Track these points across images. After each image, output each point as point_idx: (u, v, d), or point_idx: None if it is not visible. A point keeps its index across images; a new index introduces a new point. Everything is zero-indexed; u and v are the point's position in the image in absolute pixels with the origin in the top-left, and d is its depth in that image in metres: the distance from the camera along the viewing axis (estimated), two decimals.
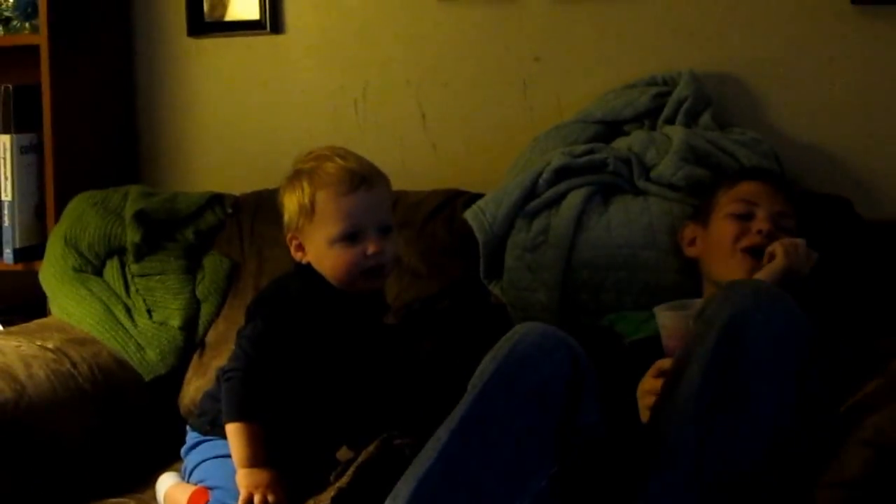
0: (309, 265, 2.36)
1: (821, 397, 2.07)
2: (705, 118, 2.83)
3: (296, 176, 2.36)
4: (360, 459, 2.19)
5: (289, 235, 2.38)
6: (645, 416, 2.13)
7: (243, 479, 2.22)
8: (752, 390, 1.95)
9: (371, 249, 2.31)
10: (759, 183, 2.54)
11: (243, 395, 2.25)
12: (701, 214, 2.59)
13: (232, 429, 2.24)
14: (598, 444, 2.04)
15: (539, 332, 2.04)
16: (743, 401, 1.95)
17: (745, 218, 2.48)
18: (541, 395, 1.98)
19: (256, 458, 2.22)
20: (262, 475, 2.22)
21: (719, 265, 2.49)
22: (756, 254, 2.42)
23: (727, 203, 2.53)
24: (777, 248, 2.37)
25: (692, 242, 2.58)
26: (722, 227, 2.50)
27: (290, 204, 2.35)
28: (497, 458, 1.95)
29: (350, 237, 2.31)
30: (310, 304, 2.33)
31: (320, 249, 2.33)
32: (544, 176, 2.74)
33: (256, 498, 2.20)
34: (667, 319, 2.17)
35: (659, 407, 2.04)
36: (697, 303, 2.22)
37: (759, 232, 2.44)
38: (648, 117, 2.88)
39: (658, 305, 2.21)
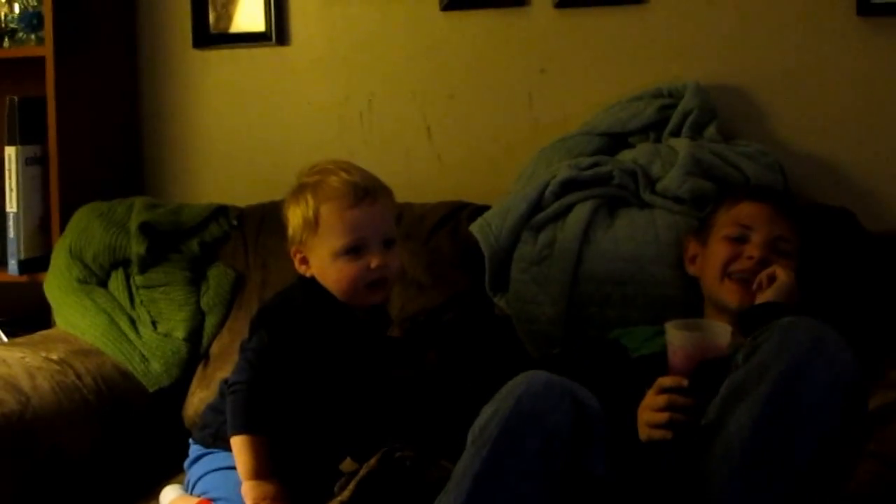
0: (313, 278, 2.36)
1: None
2: (710, 130, 2.83)
3: (300, 189, 2.36)
4: (361, 473, 2.19)
5: (292, 249, 2.38)
6: (643, 432, 2.12)
7: (249, 491, 2.22)
8: (800, 439, 1.92)
9: (374, 263, 2.31)
10: (760, 204, 2.52)
11: (248, 408, 2.25)
12: (702, 232, 2.58)
13: (237, 441, 2.24)
14: (605, 491, 2.02)
15: (542, 383, 1.98)
16: (789, 450, 1.92)
17: (739, 240, 2.47)
18: (548, 450, 1.94)
19: (262, 471, 2.22)
20: (267, 487, 2.21)
21: (711, 288, 2.49)
22: (745, 281, 2.41)
23: (725, 224, 2.52)
24: (778, 270, 2.37)
25: (693, 260, 2.58)
26: (716, 249, 2.50)
27: (294, 217, 2.35)
28: None
29: (354, 250, 2.31)
30: (314, 317, 2.33)
31: (324, 263, 2.33)
32: (550, 189, 2.74)
33: None
34: (676, 338, 2.14)
35: (703, 446, 1.99)
36: (710, 324, 2.19)
37: (750, 258, 2.43)
38: (654, 129, 2.88)
39: (669, 321, 2.17)
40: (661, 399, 2.10)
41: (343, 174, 2.34)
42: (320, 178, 2.35)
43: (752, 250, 2.44)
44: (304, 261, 2.37)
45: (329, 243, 2.32)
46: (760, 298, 2.33)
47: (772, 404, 1.93)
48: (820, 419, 1.93)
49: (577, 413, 1.97)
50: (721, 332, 2.13)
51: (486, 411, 2.00)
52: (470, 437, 1.99)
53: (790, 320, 2.05)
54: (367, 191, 2.33)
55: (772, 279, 2.36)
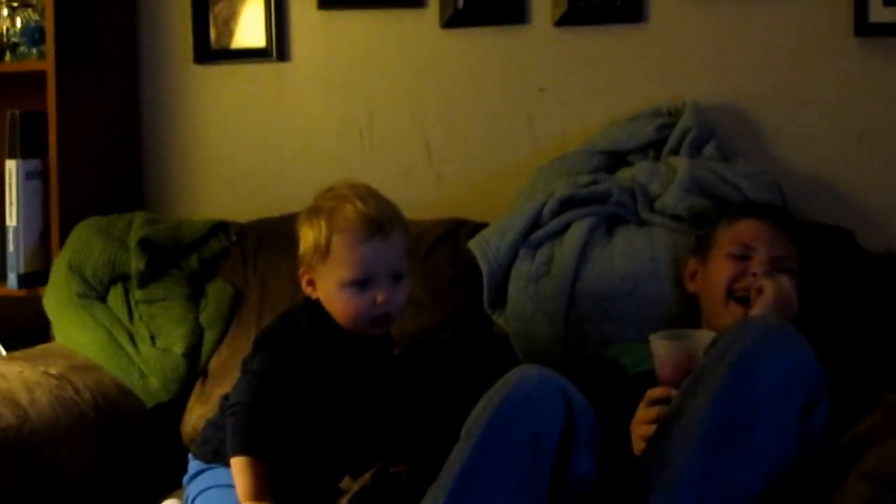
0: (318, 301, 2.36)
1: (824, 435, 2.06)
2: (709, 149, 2.83)
3: (315, 212, 2.34)
4: (354, 488, 2.19)
5: (301, 269, 2.37)
6: (638, 447, 2.12)
7: None
8: (757, 423, 1.94)
9: (380, 298, 2.30)
10: (761, 222, 2.52)
11: (249, 430, 2.24)
12: (701, 249, 2.58)
13: (237, 462, 2.23)
14: (589, 490, 2.02)
15: (535, 379, 2.01)
16: (748, 433, 1.94)
17: (742, 258, 2.48)
18: (534, 446, 1.95)
19: (261, 492, 2.21)
20: None
21: (712, 310, 2.49)
22: (747, 302, 2.41)
23: (726, 242, 2.51)
24: (763, 282, 2.37)
25: (693, 277, 2.58)
26: (719, 268, 2.49)
27: (306, 240, 2.34)
28: None
29: (360, 284, 2.30)
30: (318, 341, 2.33)
31: (330, 290, 2.32)
32: (548, 206, 2.74)
33: None
34: (661, 348, 2.16)
35: (663, 431, 2.01)
36: (693, 333, 2.21)
37: (754, 275, 2.43)
38: (653, 148, 2.88)
39: (653, 333, 2.20)
40: (652, 411, 2.12)
41: (359, 204, 2.31)
42: (336, 206, 2.32)
43: (756, 267, 2.44)
44: (311, 283, 2.36)
45: (337, 273, 2.30)
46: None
47: (729, 385, 1.95)
48: (780, 404, 1.96)
49: (567, 409, 1.99)
50: (706, 339, 2.13)
51: (480, 405, 2.01)
52: (464, 431, 2.00)
53: (748, 317, 2.17)
54: (380, 226, 2.30)
55: (760, 292, 2.36)
